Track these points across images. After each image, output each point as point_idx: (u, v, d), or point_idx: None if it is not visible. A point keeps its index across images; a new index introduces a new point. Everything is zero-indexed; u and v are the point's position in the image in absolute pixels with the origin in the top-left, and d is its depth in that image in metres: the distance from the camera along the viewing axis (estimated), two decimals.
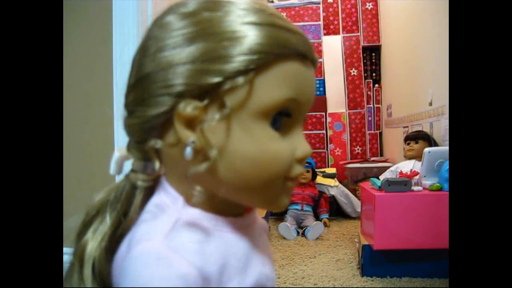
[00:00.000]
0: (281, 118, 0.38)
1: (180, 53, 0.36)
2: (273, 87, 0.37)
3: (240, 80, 0.35)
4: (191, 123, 0.37)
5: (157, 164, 0.39)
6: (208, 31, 0.36)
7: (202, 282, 0.35)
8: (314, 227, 2.57)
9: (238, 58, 0.35)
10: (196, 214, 0.39)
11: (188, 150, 0.36)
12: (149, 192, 0.42)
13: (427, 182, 1.82)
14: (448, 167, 1.73)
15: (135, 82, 0.39)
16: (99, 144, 1.57)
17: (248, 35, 0.36)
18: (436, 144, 2.34)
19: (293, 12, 4.13)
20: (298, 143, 0.39)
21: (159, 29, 0.39)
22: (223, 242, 0.39)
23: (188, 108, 0.36)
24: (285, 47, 0.37)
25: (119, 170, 0.42)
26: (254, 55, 0.35)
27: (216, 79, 0.35)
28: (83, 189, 1.50)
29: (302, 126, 0.41)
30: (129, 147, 0.41)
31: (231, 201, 0.40)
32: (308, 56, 0.39)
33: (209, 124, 0.36)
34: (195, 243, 0.36)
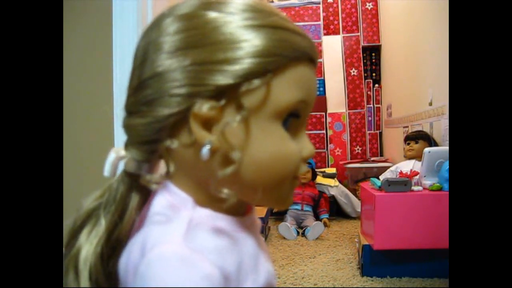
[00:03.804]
0: (290, 119, 0.39)
1: (189, 54, 0.36)
2: (288, 89, 0.38)
3: (257, 82, 0.36)
4: (207, 124, 0.37)
5: (171, 166, 0.39)
6: (216, 32, 0.36)
7: (224, 282, 0.35)
8: (314, 227, 2.57)
9: (248, 60, 0.36)
10: (208, 214, 0.39)
11: (205, 151, 0.36)
12: (145, 194, 0.41)
13: (427, 182, 1.82)
14: (448, 167, 1.73)
15: (139, 83, 0.39)
16: (99, 144, 1.57)
17: (260, 38, 0.36)
18: (436, 144, 2.34)
19: (293, 12, 4.13)
20: (304, 143, 0.41)
21: (159, 31, 0.38)
22: (237, 241, 0.39)
23: (204, 108, 0.36)
24: (297, 50, 0.38)
25: (114, 171, 0.41)
26: (270, 58, 0.36)
27: (229, 80, 0.35)
28: (83, 189, 1.50)
29: (305, 127, 0.43)
30: (128, 147, 0.40)
31: (238, 201, 0.40)
32: (315, 59, 0.41)
33: (229, 126, 0.36)
34: (213, 243, 0.36)
